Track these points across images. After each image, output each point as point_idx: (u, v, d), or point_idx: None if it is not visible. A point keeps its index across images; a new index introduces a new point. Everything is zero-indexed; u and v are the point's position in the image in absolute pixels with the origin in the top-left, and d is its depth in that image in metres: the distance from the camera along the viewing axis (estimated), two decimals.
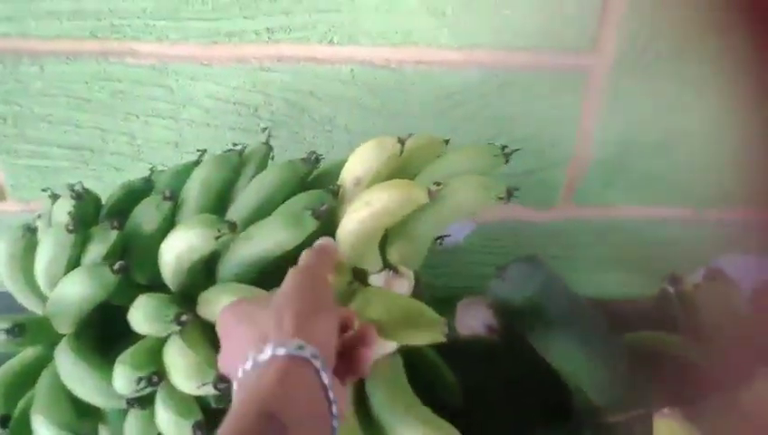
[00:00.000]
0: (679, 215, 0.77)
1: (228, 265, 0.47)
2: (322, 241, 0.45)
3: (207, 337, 0.44)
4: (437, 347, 0.55)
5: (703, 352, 0.50)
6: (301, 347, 0.32)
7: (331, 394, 0.32)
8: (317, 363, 0.32)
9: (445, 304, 0.53)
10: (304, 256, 0.41)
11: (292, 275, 0.38)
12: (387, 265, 0.48)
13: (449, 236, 0.61)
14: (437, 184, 0.43)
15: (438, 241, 0.60)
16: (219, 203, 0.50)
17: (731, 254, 0.75)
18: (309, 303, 0.36)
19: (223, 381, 0.40)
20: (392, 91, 0.67)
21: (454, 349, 0.54)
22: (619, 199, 0.76)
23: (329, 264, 0.41)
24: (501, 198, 0.42)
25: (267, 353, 0.32)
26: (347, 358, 0.38)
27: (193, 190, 0.50)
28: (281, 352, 0.32)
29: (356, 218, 0.43)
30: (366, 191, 0.44)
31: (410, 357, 0.52)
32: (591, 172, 0.74)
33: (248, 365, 0.32)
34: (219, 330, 0.38)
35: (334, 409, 0.33)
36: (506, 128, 0.71)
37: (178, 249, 0.45)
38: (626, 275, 0.80)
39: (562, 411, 0.50)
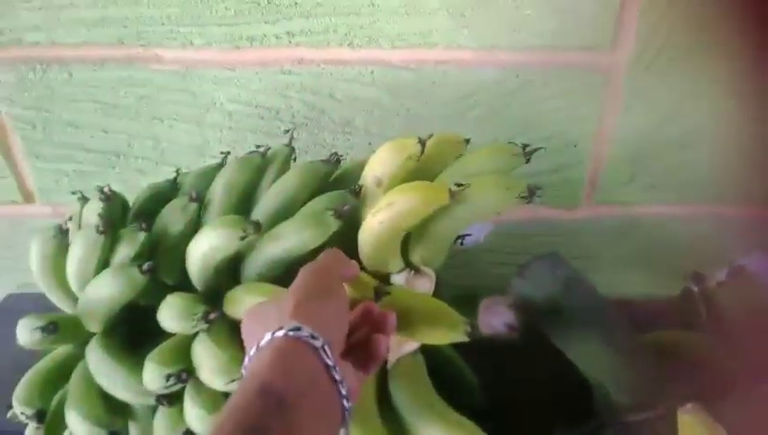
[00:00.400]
0: (702, 212, 0.76)
1: (253, 265, 0.48)
2: None
3: (234, 335, 0.45)
4: (459, 347, 0.56)
5: (727, 351, 0.50)
6: (297, 328, 0.33)
7: (336, 375, 0.33)
8: (316, 343, 0.32)
9: (466, 303, 0.53)
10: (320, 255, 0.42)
11: (302, 270, 0.39)
12: (408, 265, 0.49)
13: (470, 235, 0.61)
14: (459, 185, 0.43)
15: (459, 240, 0.60)
16: (243, 204, 0.51)
17: (755, 252, 0.74)
18: (313, 289, 0.37)
19: None
20: (412, 91, 0.68)
21: (475, 349, 0.55)
22: (641, 198, 0.75)
23: (343, 264, 0.41)
24: (523, 198, 0.42)
25: (267, 338, 0.33)
26: (366, 346, 0.38)
27: (218, 192, 0.51)
28: (279, 333, 0.33)
29: (378, 219, 0.44)
30: (388, 193, 0.44)
31: (431, 358, 0.53)
32: (612, 171, 0.73)
33: (252, 351, 0.33)
34: (242, 335, 0.39)
35: (342, 389, 0.33)
36: (526, 127, 0.71)
37: (205, 249, 0.46)
38: (649, 274, 0.80)
39: (585, 410, 0.50)
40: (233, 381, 0.42)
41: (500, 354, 0.52)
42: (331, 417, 0.33)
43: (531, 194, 0.42)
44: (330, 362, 0.33)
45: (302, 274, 0.38)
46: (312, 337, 0.33)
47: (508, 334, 0.52)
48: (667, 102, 0.70)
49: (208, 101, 0.68)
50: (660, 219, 0.76)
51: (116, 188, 0.57)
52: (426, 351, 0.53)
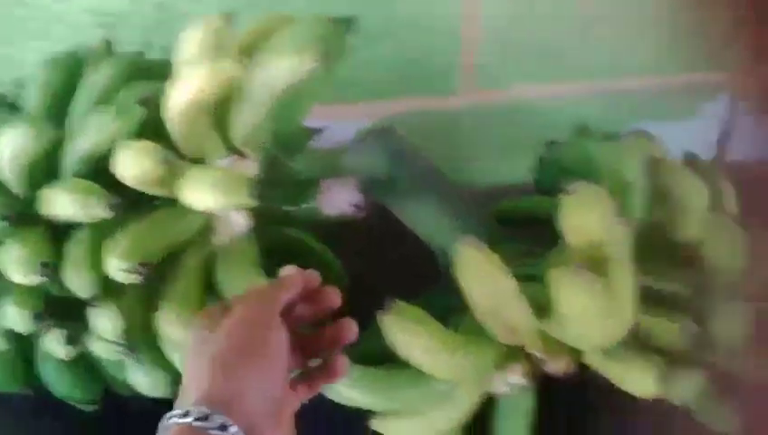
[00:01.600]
0: (583, 90, 0.75)
1: (67, 163, 0.46)
2: (285, 272, 0.38)
3: (47, 233, 0.45)
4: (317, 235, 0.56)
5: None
6: (205, 417, 0.29)
7: None
8: None
9: (309, 185, 0.52)
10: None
11: (233, 310, 0.34)
12: (232, 150, 0.47)
13: (321, 129, 0.59)
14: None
15: (313, 135, 0.59)
16: (59, 103, 0.49)
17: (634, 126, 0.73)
18: (237, 344, 0.32)
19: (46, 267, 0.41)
20: None
21: (329, 232, 0.55)
22: (519, 79, 0.73)
23: (285, 295, 0.35)
24: (317, 61, 0.40)
25: (175, 416, 0.30)
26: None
27: (32, 95, 0.49)
28: (185, 420, 0.29)
29: (176, 97, 0.42)
30: (183, 71, 0.43)
31: (293, 248, 0.53)
32: (486, 53, 0.71)
33: (167, 420, 0.30)
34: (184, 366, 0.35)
35: None
36: (389, 8, 0.68)
37: (7, 151, 0.44)
38: (532, 160, 0.79)
39: (432, 275, 0.50)
40: (33, 274, 0.42)
41: (352, 233, 0.52)
42: None
43: (325, 57, 0.40)
44: None
45: (234, 312, 0.33)
46: (222, 427, 0.29)
47: (355, 213, 0.51)
48: None
49: (54, 15, 0.65)
50: (541, 101, 0.75)
51: None
52: (287, 242, 0.53)
